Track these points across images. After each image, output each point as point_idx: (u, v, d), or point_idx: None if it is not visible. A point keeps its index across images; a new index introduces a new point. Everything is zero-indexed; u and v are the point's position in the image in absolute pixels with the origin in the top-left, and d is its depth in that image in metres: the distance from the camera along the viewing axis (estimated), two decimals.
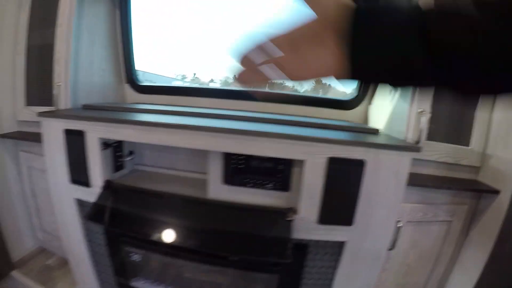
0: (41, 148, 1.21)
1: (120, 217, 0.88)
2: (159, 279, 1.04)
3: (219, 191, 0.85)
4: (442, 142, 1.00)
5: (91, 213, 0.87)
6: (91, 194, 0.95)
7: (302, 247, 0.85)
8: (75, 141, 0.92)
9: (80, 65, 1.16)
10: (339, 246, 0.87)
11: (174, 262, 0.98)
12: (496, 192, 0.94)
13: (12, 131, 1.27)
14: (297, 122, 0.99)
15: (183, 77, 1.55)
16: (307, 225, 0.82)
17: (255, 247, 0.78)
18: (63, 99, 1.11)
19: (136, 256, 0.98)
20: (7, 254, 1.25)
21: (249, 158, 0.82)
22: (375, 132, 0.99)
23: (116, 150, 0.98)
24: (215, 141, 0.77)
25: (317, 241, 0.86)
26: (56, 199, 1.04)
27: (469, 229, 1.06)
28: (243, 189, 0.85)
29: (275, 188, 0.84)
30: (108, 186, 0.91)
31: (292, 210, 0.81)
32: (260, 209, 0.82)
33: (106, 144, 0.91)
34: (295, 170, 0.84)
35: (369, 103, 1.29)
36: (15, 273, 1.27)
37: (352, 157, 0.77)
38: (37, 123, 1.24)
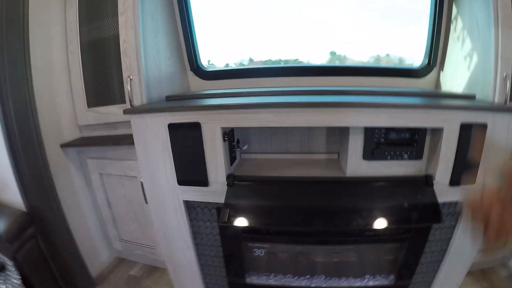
0: (115, 152, 1.10)
1: (254, 214, 0.82)
2: (278, 270, 1.00)
3: (359, 167, 0.84)
4: None
5: (226, 216, 0.79)
6: (208, 193, 0.87)
7: (439, 209, 0.87)
8: (186, 136, 0.83)
9: (149, 55, 1.04)
10: (460, 206, 0.92)
11: (302, 251, 0.95)
12: None
13: (75, 138, 1.12)
14: (395, 92, 0.99)
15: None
16: (440, 189, 0.85)
17: (406, 217, 0.79)
18: (138, 94, 0.99)
19: (260, 251, 0.94)
20: (86, 270, 1.12)
21: (388, 131, 0.82)
22: (472, 97, 1.04)
23: (230, 140, 0.90)
24: (363, 116, 0.75)
25: (443, 204, 0.90)
26: (156, 204, 0.95)
27: None
28: (381, 163, 0.84)
29: (410, 158, 0.85)
30: (233, 181, 0.84)
31: (431, 177, 0.83)
32: (402, 180, 0.83)
33: (225, 135, 0.84)
34: (427, 139, 0.86)
35: (441, 70, 1.34)
36: None
37: (478, 121, 0.81)
38: (103, 126, 1.12)
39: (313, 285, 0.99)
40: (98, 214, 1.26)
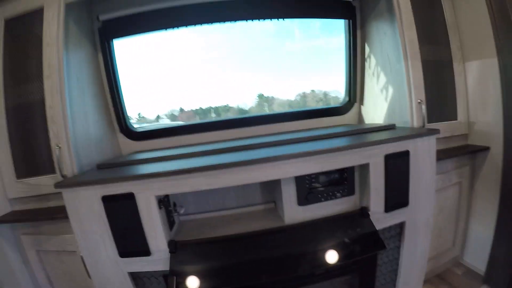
0: (51, 226, 1.02)
1: (201, 277, 0.80)
2: None
3: (295, 213, 0.87)
4: (438, 122, 1.22)
5: (174, 284, 0.76)
6: (151, 263, 0.84)
7: (379, 237, 0.92)
8: (121, 208, 0.80)
9: (77, 120, 1.01)
10: (400, 227, 0.99)
11: None
12: (487, 148, 1.20)
13: (6, 212, 1.01)
14: (321, 136, 1.06)
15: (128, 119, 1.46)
16: (377, 217, 0.91)
17: (350, 251, 0.82)
18: (68, 163, 0.95)
19: None
20: None
21: (317, 175, 0.86)
22: (393, 127, 1.14)
23: (166, 206, 0.89)
24: (293, 167, 0.79)
25: (383, 229, 0.96)
26: (99, 279, 0.88)
27: (473, 184, 1.31)
28: (317, 205, 0.88)
29: (343, 195, 0.90)
30: (175, 247, 0.82)
31: (366, 208, 0.88)
32: (340, 217, 0.87)
33: (160, 202, 0.83)
34: (356, 174, 0.92)
35: (361, 104, 1.47)
36: None
37: (400, 150, 0.90)
38: (35, 198, 1.04)
39: None
40: None
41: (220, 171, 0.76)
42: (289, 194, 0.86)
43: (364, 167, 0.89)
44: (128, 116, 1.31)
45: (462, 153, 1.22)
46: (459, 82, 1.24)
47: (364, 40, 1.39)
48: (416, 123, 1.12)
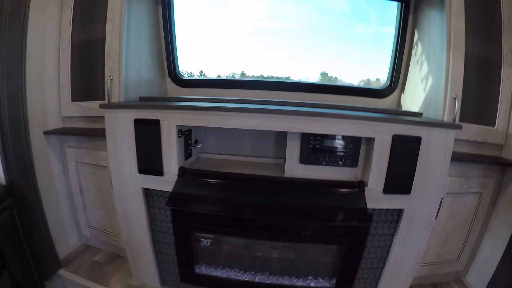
0: (91, 143, 1.23)
1: (198, 202, 0.92)
2: (224, 262, 1.08)
3: (296, 170, 0.93)
4: (472, 123, 1.14)
5: (172, 200, 0.90)
6: (162, 183, 0.98)
7: (369, 217, 0.94)
8: (148, 131, 0.95)
9: (130, 60, 1.19)
10: (398, 214, 0.98)
11: (243, 243, 1.03)
12: None
13: (57, 127, 1.25)
14: (347, 107, 1.08)
15: (190, 75, 1.57)
16: (374, 195, 0.92)
17: (334, 218, 0.86)
18: (116, 93, 1.13)
19: (206, 241, 1.02)
20: (55, 252, 1.22)
21: (323, 138, 0.90)
22: (418, 115, 1.11)
23: (186, 138, 1.01)
24: (298, 123, 0.85)
25: (380, 210, 0.96)
26: (119, 190, 1.05)
27: (496, 200, 1.21)
28: (317, 167, 0.93)
29: (345, 165, 0.93)
30: (184, 173, 0.94)
31: (363, 183, 0.90)
32: (335, 184, 0.91)
33: (180, 132, 0.95)
34: (362, 148, 0.93)
35: (402, 91, 1.42)
36: (63, 272, 1.24)
37: (411, 134, 0.89)
38: (83, 119, 1.25)
39: (256, 280, 1.06)
40: (71, 200, 1.36)
41: (231, 113, 0.86)
42: (293, 149, 0.91)
43: (371, 142, 0.90)
44: (178, 63, 1.45)
45: (489, 162, 1.13)
46: (506, 87, 1.13)
47: (414, 26, 1.33)
48: (446, 118, 1.07)
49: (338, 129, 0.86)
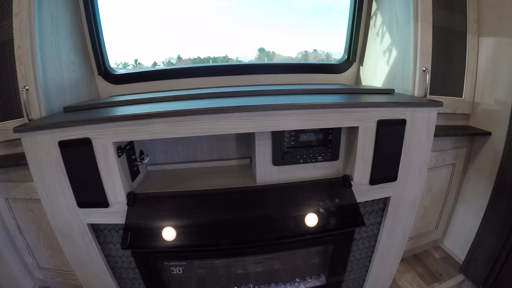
0: (18, 173, 0.97)
1: (158, 235, 0.75)
2: (202, 286, 0.95)
3: (269, 174, 0.80)
4: (442, 95, 1.12)
5: (127, 239, 0.72)
6: (111, 215, 0.79)
7: (359, 212, 0.86)
8: (78, 154, 0.73)
9: (47, 60, 0.92)
10: (384, 202, 0.93)
11: (220, 264, 0.90)
12: (488, 133, 1.10)
13: None
14: (317, 90, 0.97)
15: (125, 65, 1.38)
16: (360, 188, 0.84)
17: (324, 221, 0.77)
18: (36, 105, 0.87)
19: (177, 269, 0.87)
20: None
21: (298, 133, 0.78)
22: (391, 92, 1.04)
23: (129, 154, 0.82)
24: (268, 121, 0.70)
25: (366, 202, 0.90)
26: (60, 230, 0.84)
27: (467, 169, 1.24)
28: (294, 167, 0.81)
29: (325, 159, 0.83)
30: (134, 200, 0.76)
31: (348, 177, 0.81)
32: (317, 183, 0.80)
33: (120, 149, 0.75)
34: (343, 138, 0.83)
35: (360, 65, 1.35)
36: None
37: (396, 117, 0.81)
38: (3, 144, 0.98)
39: None
40: (12, 243, 1.11)
41: (183, 117, 0.68)
42: (263, 151, 0.78)
43: (353, 131, 0.81)
44: (107, 58, 1.20)
45: (463, 134, 1.13)
46: (471, 57, 1.12)
47: None
48: (417, 92, 1.01)
49: (318, 122, 0.73)
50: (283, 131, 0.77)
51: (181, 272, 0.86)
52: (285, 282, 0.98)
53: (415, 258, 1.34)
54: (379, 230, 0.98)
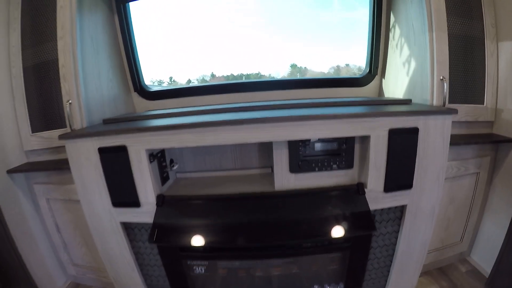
0: (59, 177, 1.10)
1: (183, 232, 0.82)
2: (222, 287, 0.99)
3: (287, 181, 0.84)
4: (461, 103, 1.10)
5: (155, 235, 0.79)
6: (141, 214, 0.87)
7: (373, 222, 0.87)
8: (115, 159, 0.83)
9: (89, 79, 1.06)
10: (400, 211, 0.93)
11: (240, 266, 0.95)
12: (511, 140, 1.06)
13: (21, 163, 1.10)
14: (334, 103, 1.01)
15: (160, 82, 1.49)
16: (375, 196, 0.86)
17: (336, 225, 0.79)
18: (78, 118, 1.00)
19: (199, 269, 0.93)
20: None
21: (313, 142, 0.82)
22: (408, 102, 1.05)
23: (160, 161, 0.90)
24: (283, 131, 0.76)
25: (382, 210, 0.90)
26: (96, 227, 0.94)
27: (492, 178, 1.19)
28: (310, 174, 0.85)
29: (340, 168, 0.85)
30: (163, 201, 0.84)
31: (362, 185, 0.83)
32: (331, 190, 0.83)
33: (152, 156, 0.84)
34: (357, 147, 0.86)
35: (383, 77, 1.36)
36: None
37: (408, 126, 0.82)
38: (47, 150, 1.11)
39: None
40: (50, 240, 1.23)
41: (206, 128, 0.75)
42: (281, 159, 0.83)
43: (366, 140, 0.83)
44: (142, 76, 1.33)
45: (484, 141, 1.10)
46: (490, 63, 1.10)
47: (390, 8, 1.26)
48: (436, 102, 1.01)
49: (330, 132, 0.78)
50: (299, 141, 0.82)
51: (203, 271, 0.92)
52: None
53: (439, 271, 1.28)
54: (396, 238, 0.98)
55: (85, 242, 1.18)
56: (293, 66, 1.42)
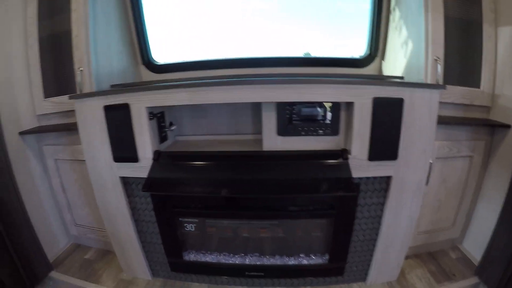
0: (68, 138, 1.19)
1: (174, 184, 0.89)
2: (212, 247, 1.05)
3: (274, 143, 0.89)
4: (456, 85, 1.11)
5: (148, 185, 0.86)
6: (139, 169, 0.94)
7: (355, 186, 0.90)
8: (118, 116, 0.91)
9: (99, 49, 1.14)
10: (386, 182, 0.95)
11: (227, 225, 1.00)
12: (507, 126, 1.06)
13: (32, 126, 1.21)
14: (326, 74, 1.05)
15: None
16: (359, 163, 0.89)
17: (318, 190, 0.83)
18: (88, 84, 1.09)
19: (190, 226, 0.99)
20: (43, 254, 1.18)
21: (300, 107, 0.87)
22: (400, 78, 1.07)
23: (159, 121, 0.98)
24: (271, 92, 0.80)
25: (367, 178, 0.93)
26: (97, 182, 1.02)
27: (488, 163, 1.18)
28: (297, 138, 0.89)
29: (326, 134, 0.89)
30: (159, 156, 0.91)
31: (346, 151, 0.87)
32: (316, 154, 0.87)
33: (152, 114, 0.91)
34: (342, 114, 0.90)
35: (382, 59, 1.38)
36: (54, 274, 1.21)
37: (393, 95, 0.85)
38: (58, 115, 1.21)
39: (247, 262, 1.03)
40: (55, 200, 1.32)
41: (199, 88, 0.81)
42: (269, 121, 0.87)
43: (350, 107, 0.86)
44: (150, 49, 1.41)
45: (477, 123, 1.10)
46: (488, 47, 1.10)
47: None
48: (429, 81, 1.03)
49: (314, 95, 0.81)
50: (286, 104, 0.86)
51: (193, 229, 0.98)
52: (289, 255, 1.03)
53: (429, 256, 1.28)
54: (382, 211, 0.99)
55: (89, 202, 1.27)
56: (307, 54, 1.45)
